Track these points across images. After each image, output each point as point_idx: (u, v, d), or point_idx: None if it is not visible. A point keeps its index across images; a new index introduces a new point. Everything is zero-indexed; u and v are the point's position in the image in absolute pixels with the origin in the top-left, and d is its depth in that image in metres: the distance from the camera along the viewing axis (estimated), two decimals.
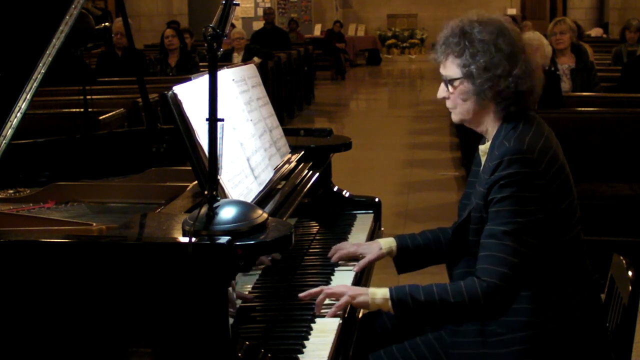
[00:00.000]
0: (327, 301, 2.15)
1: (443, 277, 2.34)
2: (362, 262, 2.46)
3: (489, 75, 2.13)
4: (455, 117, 2.25)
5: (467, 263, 2.24)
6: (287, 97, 11.26)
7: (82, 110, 3.79)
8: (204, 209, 1.79)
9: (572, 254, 2.16)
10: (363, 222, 2.97)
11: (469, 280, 2.08)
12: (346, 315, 2.16)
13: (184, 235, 1.79)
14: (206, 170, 1.86)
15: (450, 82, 2.21)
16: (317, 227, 2.88)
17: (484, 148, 2.27)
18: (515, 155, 2.07)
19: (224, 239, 1.74)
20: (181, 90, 2.06)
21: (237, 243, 1.75)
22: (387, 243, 2.50)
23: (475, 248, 2.15)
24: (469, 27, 2.16)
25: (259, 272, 2.36)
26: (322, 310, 2.13)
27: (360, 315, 2.37)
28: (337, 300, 2.14)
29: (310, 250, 2.66)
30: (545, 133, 2.17)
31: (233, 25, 10.92)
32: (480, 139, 2.34)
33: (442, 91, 2.24)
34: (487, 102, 2.18)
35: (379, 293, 2.12)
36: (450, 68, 2.20)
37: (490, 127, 2.23)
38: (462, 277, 2.16)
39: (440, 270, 2.47)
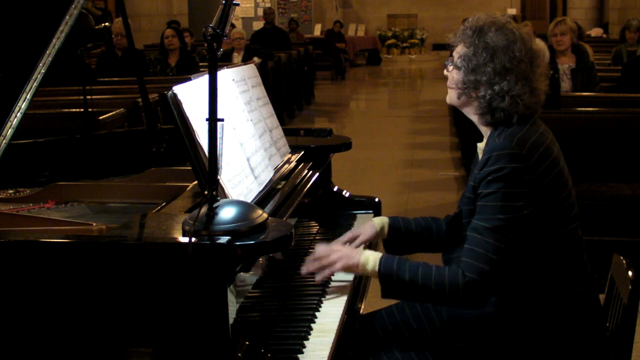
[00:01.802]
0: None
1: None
2: (356, 242, 2.49)
3: (473, 78, 2.19)
4: (447, 98, 2.33)
5: None
6: (287, 97, 11.26)
7: (82, 110, 3.79)
8: (204, 209, 1.79)
9: (568, 249, 2.17)
10: (363, 222, 2.96)
11: (453, 270, 2.11)
12: (347, 314, 2.16)
13: (184, 235, 1.79)
14: (206, 170, 1.86)
15: (449, 62, 2.28)
16: (317, 227, 2.88)
17: (481, 145, 2.30)
18: (503, 151, 2.10)
19: (224, 239, 1.74)
20: (181, 90, 2.06)
21: (237, 243, 1.75)
22: (380, 222, 2.54)
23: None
24: (487, 27, 2.20)
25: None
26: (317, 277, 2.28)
27: (361, 314, 2.37)
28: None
29: (310, 250, 2.66)
30: (540, 130, 2.19)
31: (233, 25, 10.92)
32: (480, 138, 2.35)
33: (445, 70, 2.32)
34: (470, 99, 2.23)
35: (370, 264, 2.20)
36: (455, 53, 2.27)
37: (475, 121, 2.27)
38: None
39: (431, 258, 2.49)
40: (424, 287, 2.12)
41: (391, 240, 2.53)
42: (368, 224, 2.54)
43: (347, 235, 2.54)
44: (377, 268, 2.18)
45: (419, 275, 2.13)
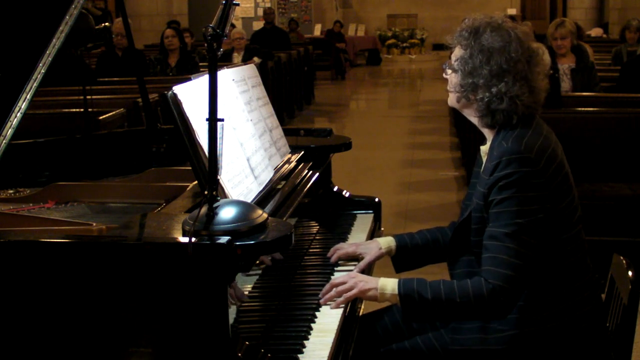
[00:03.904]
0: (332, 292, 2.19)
1: (442, 277, 2.34)
2: (361, 264, 2.47)
3: (470, 81, 2.19)
4: (448, 101, 2.32)
5: (468, 263, 2.25)
6: (287, 97, 11.26)
7: (82, 110, 3.79)
8: (204, 209, 1.79)
9: (573, 253, 2.17)
10: (363, 222, 2.97)
11: (475, 280, 2.09)
12: (347, 314, 2.16)
13: (184, 235, 1.79)
14: (206, 170, 1.86)
15: (446, 66, 2.27)
16: (317, 227, 2.88)
17: (484, 149, 2.29)
18: (513, 155, 2.08)
19: (224, 239, 1.74)
20: (181, 90, 2.06)
21: (237, 243, 1.75)
22: (386, 242, 2.51)
23: (477, 248, 2.16)
24: (482, 29, 2.19)
25: (259, 272, 2.36)
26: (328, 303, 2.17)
27: (361, 313, 2.37)
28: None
29: (310, 250, 2.66)
30: (544, 133, 2.18)
31: (233, 25, 10.92)
32: (481, 139, 2.35)
33: (444, 73, 2.31)
34: (469, 102, 2.23)
35: (388, 288, 2.15)
36: (453, 56, 2.26)
37: (476, 123, 2.27)
38: (463, 277, 2.17)
39: (439, 270, 2.47)
40: (449, 302, 2.09)
41: (399, 258, 2.51)
42: (373, 244, 2.51)
43: (351, 248, 2.52)
44: (396, 291, 2.13)
45: (442, 291, 2.09)
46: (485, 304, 2.07)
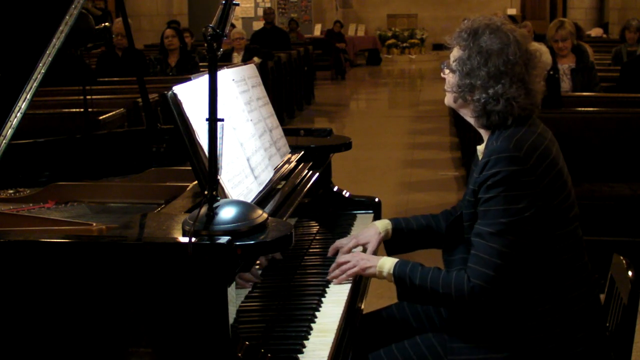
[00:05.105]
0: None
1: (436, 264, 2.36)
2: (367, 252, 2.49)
3: (468, 81, 2.20)
4: (445, 101, 2.34)
5: (463, 262, 2.25)
6: (287, 97, 11.26)
7: (82, 110, 3.79)
8: (204, 209, 1.79)
9: (567, 249, 2.17)
10: (363, 222, 2.97)
11: (459, 276, 2.12)
12: (347, 314, 2.16)
13: (184, 235, 1.79)
14: (206, 170, 1.86)
15: (445, 66, 2.29)
16: (317, 227, 2.88)
17: (480, 148, 2.30)
18: (501, 154, 2.10)
19: (224, 239, 1.74)
20: (181, 90, 2.06)
21: (237, 243, 1.75)
22: (383, 225, 2.57)
23: (470, 245, 2.17)
24: (481, 30, 2.20)
25: (259, 272, 2.36)
26: (335, 280, 2.35)
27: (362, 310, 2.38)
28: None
29: (310, 250, 2.66)
30: (538, 131, 2.19)
31: (233, 25, 10.92)
32: (480, 139, 2.36)
33: (442, 72, 2.33)
34: (466, 103, 2.24)
35: (385, 268, 2.26)
36: (451, 56, 2.28)
37: (472, 123, 2.28)
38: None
39: (433, 255, 2.51)
40: (432, 292, 2.16)
41: (393, 241, 2.55)
42: (372, 230, 2.54)
43: (351, 242, 2.53)
44: (392, 271, 2.23)
45: (428, 281, 2.16)
46: (465, 301, 2.12)
